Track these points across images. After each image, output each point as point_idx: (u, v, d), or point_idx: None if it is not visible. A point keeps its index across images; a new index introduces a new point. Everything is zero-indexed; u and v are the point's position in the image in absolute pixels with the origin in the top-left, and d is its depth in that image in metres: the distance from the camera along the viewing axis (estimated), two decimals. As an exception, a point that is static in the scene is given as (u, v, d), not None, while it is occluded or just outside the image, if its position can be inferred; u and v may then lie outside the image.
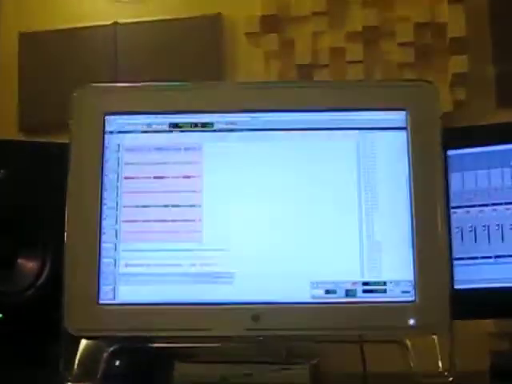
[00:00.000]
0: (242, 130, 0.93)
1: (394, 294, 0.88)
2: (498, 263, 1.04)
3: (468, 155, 1.07)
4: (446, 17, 2.14)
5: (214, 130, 0.93)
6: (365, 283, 0.89)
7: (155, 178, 0.92)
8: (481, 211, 1.05)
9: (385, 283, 0.89)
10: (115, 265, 0.90)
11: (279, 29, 2.27)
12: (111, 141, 0.93)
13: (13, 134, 2.31)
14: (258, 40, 2.29)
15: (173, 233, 0.91)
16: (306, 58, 2.23)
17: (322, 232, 0.90)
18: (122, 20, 2.43)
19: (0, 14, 2.53)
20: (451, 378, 0.88)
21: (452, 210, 1.05)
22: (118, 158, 0.92)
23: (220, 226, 0.91)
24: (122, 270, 0.90)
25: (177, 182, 0.92)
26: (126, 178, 0.92)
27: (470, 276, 1.04)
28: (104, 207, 0.91)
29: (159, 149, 0.93)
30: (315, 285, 0.88)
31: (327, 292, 0.88)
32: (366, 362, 0.97)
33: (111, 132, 0.93)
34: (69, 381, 0.90)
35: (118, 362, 1.03)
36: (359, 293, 0.88)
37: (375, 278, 0.89)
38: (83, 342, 0.91)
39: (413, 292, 0.88)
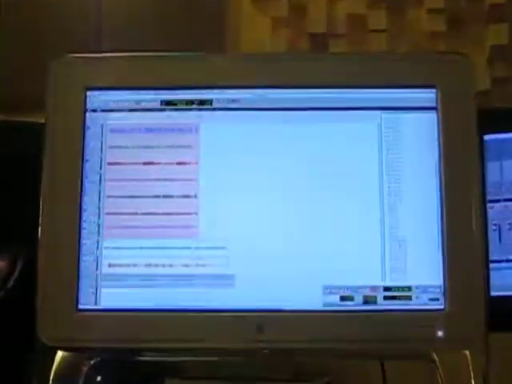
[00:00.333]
0: (245, 108, 0.92)
1: (420, 302, 0.88)
2: (541, 266, 1.04)
3: (508, 141, 1.06)
4: (484, -22, 2.14)
5: (213, 109, 0.93)
6: (386, 288, 0.88)
7: (144, 163, 0.92)
8: (522, 206, 1.05)
9: (410, 289, 0.88)
10: (97, 264, 0.90)
11: (289, -8, 2.27)
12: (93, 120, 0.92)
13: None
14: (265, 5, 2.28)
15: (164, 228, 0.90)
16: (320, 26, 2.21)
17: (338, 228, 0.90)
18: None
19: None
20: (485, 401, 0.88)
21: (488, 205, 1.05)
22: (102, 141, 0.92)
23: (219, 220, 0.90)
24: (105, 270, 0.90)
25: (169, 168, 0.91)
26: (110, 163, 0.92)
27: (509, 281, 1.04)
28: (85, 198, 0.90)
29: (149, 130, 0.93)
30: (328, 290, 0.88)
31: (342, 299, 0.88)
32: (386, 381, 0.97)
33: (93, 110, 0.93)
34: (43, 398, 0.90)
35: (99, 378, 1.03)
36: (380, 300, 0.88)
37: (399, 282, 0.88)
38: (59, 354, 0.91)
39: (442, 299, 0.88)
